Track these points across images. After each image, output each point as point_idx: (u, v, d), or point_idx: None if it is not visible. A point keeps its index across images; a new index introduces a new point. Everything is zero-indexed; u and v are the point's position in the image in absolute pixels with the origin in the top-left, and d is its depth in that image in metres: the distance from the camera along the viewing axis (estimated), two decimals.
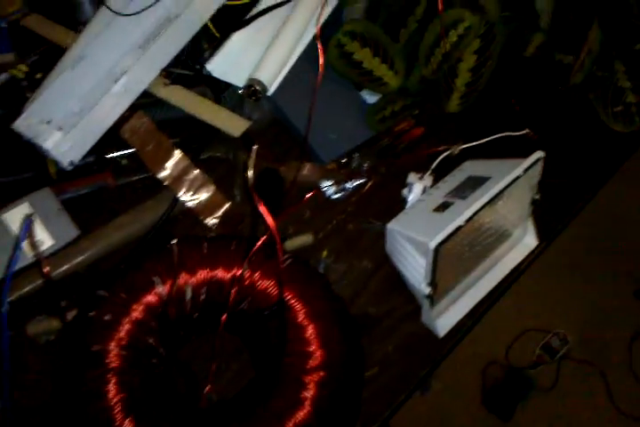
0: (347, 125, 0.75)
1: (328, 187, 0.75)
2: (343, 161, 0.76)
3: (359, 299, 0.69)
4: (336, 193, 0.75)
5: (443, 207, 0.66)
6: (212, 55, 0.69)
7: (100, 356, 0.49)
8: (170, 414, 0.50)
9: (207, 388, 0.49)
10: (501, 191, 0.65)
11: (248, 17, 0.68)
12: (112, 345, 0.50)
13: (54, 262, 0.59)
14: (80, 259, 0.61)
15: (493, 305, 0.75)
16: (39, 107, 0.63)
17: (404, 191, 0.73)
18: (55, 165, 0.65)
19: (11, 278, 0.51)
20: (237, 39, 0.68)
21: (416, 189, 0.72)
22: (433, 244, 0.60)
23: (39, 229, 0.60)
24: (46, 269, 0.55)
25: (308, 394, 0.51)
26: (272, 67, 0.67)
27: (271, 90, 0.69)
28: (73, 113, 0.63)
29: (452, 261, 0.67)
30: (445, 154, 0.73)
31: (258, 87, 0.66)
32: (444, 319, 0.70)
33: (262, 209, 0.46)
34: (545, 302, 1.61)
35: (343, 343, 0.55)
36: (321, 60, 0.68)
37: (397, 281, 0.70)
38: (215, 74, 0.68)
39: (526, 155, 0.67)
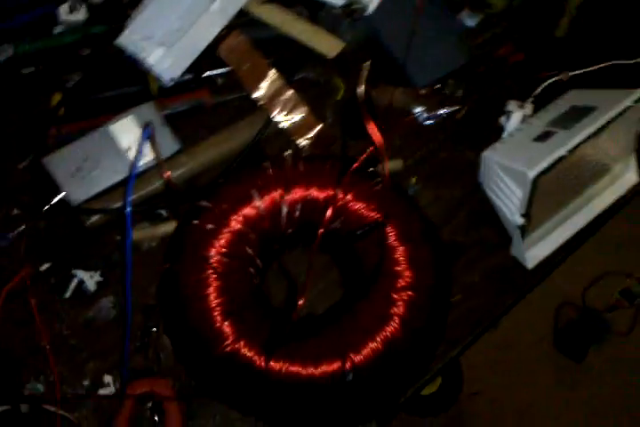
0: (443, 50, 0.72)
1: (420, 113, 0.74)
2: (437, 87, 0.73)
3: (447, 227, 0.69)
4: (428, 119, 0.73)
5: (543, 137, 0.64)
6: None
7: (203, 261, 0.52)
8: (266, 320, 0.53)
9: (300, 301, 0.51)
10: (607, 123, 0.62)
11: None
12: (214, 251, 0.52)
13: (156, 173, 0.62)
14: (178, 173, 0.63)
15: (586, 241, 0.73)
16: (141, 23, 0.64)
17: (502, 119, 0.71)
18: (156, 81, 0.67)
19: (134, 179, 0.54)
20: None
21: (515, 117, 0.69)
22: (532, 174, 0.58)
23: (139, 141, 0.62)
24: (167, 173, 0.57)
25: (398, 311, 0.52)
26: None
27: (370, 9, 0.67)
28: (173, 30, 0.64)
29: (547, 193, 0.64)
30: (549, 81, 0.69)
31: (357, 6, 0.64)
32: (535, 251, 0.68)
33: (371, 126, 0.46)
34: (630, 245, 1.55)
35: (432, 266, 0.56)
36: None
37: (487, 211, 0.69)
38: None
39: (637, 86, 0.63)
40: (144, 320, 0.60)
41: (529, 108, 0.69)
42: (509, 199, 0.64)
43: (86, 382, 0.60)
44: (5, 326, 0.60)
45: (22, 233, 0.63)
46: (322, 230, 0.50)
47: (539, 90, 0.69)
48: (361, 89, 0.50)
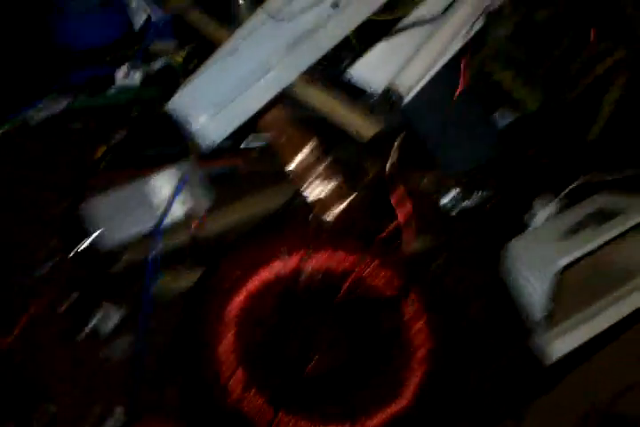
0: (474, 143, 0.75)
1: (448, 200, 0.75)
2: (466, 177, 0.75)
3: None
4: (454, 207, 0.75)
5: (569, 234, 0.64)
6: (353, 62, 0.71)
7: (222, 312, 0.53)
8: (278, 372, 0.52)
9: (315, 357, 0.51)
10: (632, 228, 0.62)
11: (395, 29, 0.70)
12: (233, 306, 0.53)
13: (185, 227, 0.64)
14: (206, 229, 0.65)
15: (612, 342, 0.70)
16: (191, 91, 0.68)
17: (528, 215, 0.72)
18: (197, 144, 0.69)
19: (161, 231, 0.56)
20: (380, 49, 0.70)
21: (541, 215, 0.70)
22: (556, 268, 0.58)
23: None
24: (195, 223, 0.59)
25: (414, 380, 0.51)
26: (411, 78, 0.68)
27: (407, 99, 0.71)
28: (220, 101, 0.68)
29: (571, 291, 0.64)
30: (577, 183, 0.70)
31: (394, 96, 0.67)
32: (560, 344, 0.65)
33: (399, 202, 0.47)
34: None
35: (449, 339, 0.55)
36: (463, 77, 0.69)
37: (504, 304, 0.68)
38: (354, 80, 0.70)
39: None
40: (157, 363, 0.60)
41: (555, 207, 0.70)
42: (533, 290, 0.63)
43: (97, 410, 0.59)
44: (25, 350, 0.61)
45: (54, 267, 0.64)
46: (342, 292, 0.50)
47: (567, 190, 0.70)
48: (390, 170, 0.52)
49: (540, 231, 0.68)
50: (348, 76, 0.70)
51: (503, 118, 0.76)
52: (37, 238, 0.66)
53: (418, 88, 0.70)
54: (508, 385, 0.65)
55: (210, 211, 0.66)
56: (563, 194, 0.70)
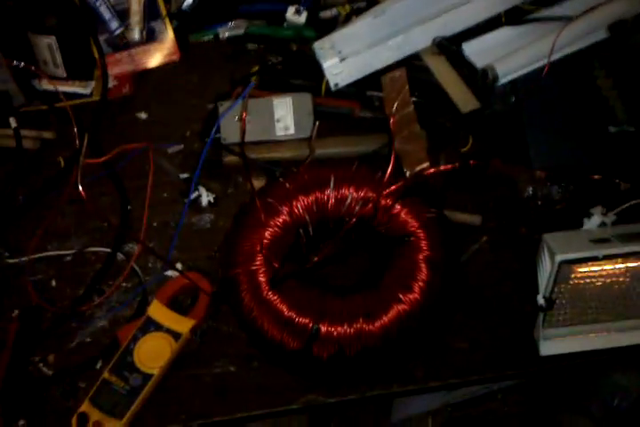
0: (572, 146, 0.80)
1: (528, 191, 0.81)
2: (551, 173, 0.80)
3: (490, 287, 0.76)
4: (527, 198, 0.81)
5: (599, 241, 0.69)
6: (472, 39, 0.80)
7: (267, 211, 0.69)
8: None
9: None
10: None
11: (527, 18, 0.77)
12: (282, 208, 0.70)
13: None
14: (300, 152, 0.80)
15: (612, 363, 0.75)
16: (336, 37, 0.82)
17: (585, 219, 0.77)
18: (326, 84, 0.84)
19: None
20: (502, 33, 0.79)
21: (594, 220, 0.75)
22: (560, 257, 0.65)
23: (289, 117, 0.81)
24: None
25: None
26: (513, 63, 0.76)
27: (502, 81, 0.79)
28: (355, 50, 0.81)
29: (586, 295, 0.70)
30: (635, 202, 0.74)
31: (490, 75, 0.76)
32: (554, 343, 0.73)
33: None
34: None
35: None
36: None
37: (531, 289, 0.73)
38: (466, 53, 0.80)
39: None
40: None
41: (611, 217, 0.75)
42: (542, 278, 0.70)
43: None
44: None
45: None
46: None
47: (624, 206, 0.74)
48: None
49: (578, 233, 0.73)
50: (462, 51, 0.79)
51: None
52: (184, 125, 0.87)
53: (514, 76, 0.77)
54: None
55: (309, 138, 0.79)
56: (620, 209, 0.74)
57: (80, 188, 0.56)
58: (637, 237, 0.68)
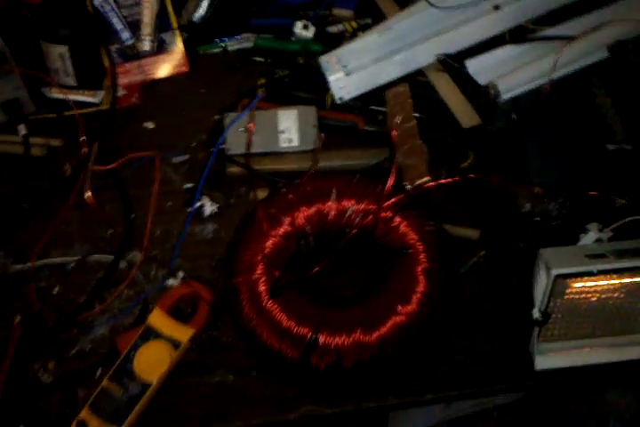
0: (571, 162, 0.82)
1: (526, 206, 0.83)
2: (547, 189, 0.82)
3: (487, 301, 0.77)
4: (525, 213, 0.82)
5: (595, 256, 0.70)
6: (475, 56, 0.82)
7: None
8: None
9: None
10: None
11: (530, 36, 0.79)
12: (284, 221, 0.71)
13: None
14: (304, 164, 0.81)
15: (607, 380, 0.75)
16: (342, 52, 0.84)
17: (582, 235, 0.78)
18: (331, 98, 0.86)
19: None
20: (505, 50, 0.80)
21: (590, 236, 0.76)
22: (555, 271, 0.66)
23: (293, 130, 0.83)
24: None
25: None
26: (515, 81, 0.77)
27: (503, 98, 0.80)
28: (360, 65, 0.83)
29: (581, 310, 0.71)
30: (631, 218, 0.75)
31: (493, 91, 0.77)
32: (549, 358, 0.73)
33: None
34: None
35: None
36: None
37: (527, 303, 0.74)
38: (469, 70, 0.81)
39: None
40: None
41: (607, 234, 0.76)
42: (538, 293, 0.71)
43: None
44: None
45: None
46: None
47: (620, 222, 0.75)
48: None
49: (573, 248, 0.74)
50: (466, 68, 0.81)
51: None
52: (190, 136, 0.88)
53: (515, 93, 0.79)
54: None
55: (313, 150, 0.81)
56: (615, 225, 0.75)
57: (90, 193, 0.57)
58: (632, 253, 0.69)
